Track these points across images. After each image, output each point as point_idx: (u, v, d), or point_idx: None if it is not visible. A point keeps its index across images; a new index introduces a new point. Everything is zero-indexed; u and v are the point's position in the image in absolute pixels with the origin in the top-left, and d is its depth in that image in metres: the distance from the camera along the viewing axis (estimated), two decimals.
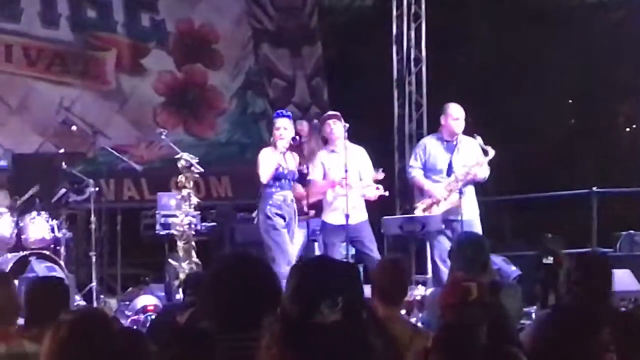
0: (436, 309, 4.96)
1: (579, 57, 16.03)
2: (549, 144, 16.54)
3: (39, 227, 10.51)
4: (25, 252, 10.16)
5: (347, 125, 9.76)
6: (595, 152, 16.70)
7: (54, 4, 13.97)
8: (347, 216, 9.52)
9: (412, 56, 13.87)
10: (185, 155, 10.08)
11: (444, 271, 8.98)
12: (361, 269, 8.15)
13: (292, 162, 9.51)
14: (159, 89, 14.48)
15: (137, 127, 14.25)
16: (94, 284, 10.57)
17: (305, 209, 9.88)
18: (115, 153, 11.88)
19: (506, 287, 6.61)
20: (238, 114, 14.89)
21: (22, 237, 10.44)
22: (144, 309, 9.55)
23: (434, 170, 9.87)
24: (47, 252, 10.27)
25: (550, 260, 9.22)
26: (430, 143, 10.01)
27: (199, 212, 10.44)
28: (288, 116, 9.66)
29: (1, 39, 13.68)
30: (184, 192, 10.07)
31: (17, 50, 13.75)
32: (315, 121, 11.25)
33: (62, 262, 10.23)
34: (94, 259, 10.72)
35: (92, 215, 10.84)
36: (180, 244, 10.04)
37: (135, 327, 8.05)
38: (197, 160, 10.12)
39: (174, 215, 10.25)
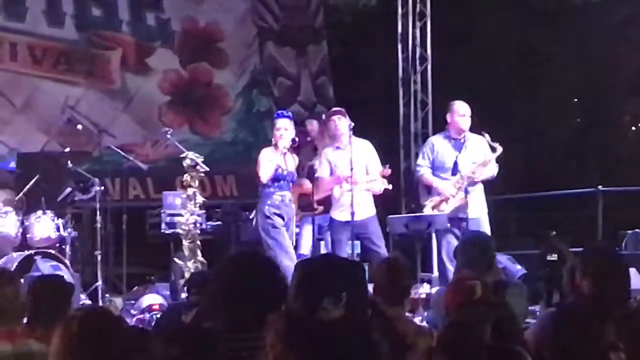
0: (441, 308, 4.95)
1: (584, 56, 16.03)
2: (555, 143, 16.55)
3: (45, 226, 10.49)
4: (31, 251, 10.14)
5: (352, 124, 9.74)
6: (601, 151, 16.71)
7: (59, 2, 13.98)
8: (352, 214, 9.49)
9: (418, 55, 13.87)
10: (191, 154, 10.07)
11: (451, 270, 8.94)
12: (367, 267, 8.13)
13: (291, 163, 9.44)
14: (164, 88, 14.49)
15: (143, 126, 14.25)
16: (99, 283, 10.55)
17: (315, 205, 9.88)
18: (121, 152, 11.85)
19: (511, 286, 6.61)
20: (243, 113, 14.90)
21: (28, 236, 10.42)
22: (149, 308, 9.53)
23: (442, 168, 9.83)
24: (53, 251, 10.24)
25: (554, 257, 9.19)
26: (437, 141, 9.97)
27: (204, 211, 10.42)
28: (288, 117, 9.56)
29: (6, 38, 13.68)
30: (190, 191, 10.06)
31: (22, 49, 13.74)
32: (324, 117, 11.23)
33: (67, 261, 10.22)
34: (99, 258, 10.71)
35: (98, 214, 10.82)
36: (185, 243, 10.04)
37: (141, 326, 8.06)
38: (203, 159, 10.10)
39: (180, 214, 10.25)
